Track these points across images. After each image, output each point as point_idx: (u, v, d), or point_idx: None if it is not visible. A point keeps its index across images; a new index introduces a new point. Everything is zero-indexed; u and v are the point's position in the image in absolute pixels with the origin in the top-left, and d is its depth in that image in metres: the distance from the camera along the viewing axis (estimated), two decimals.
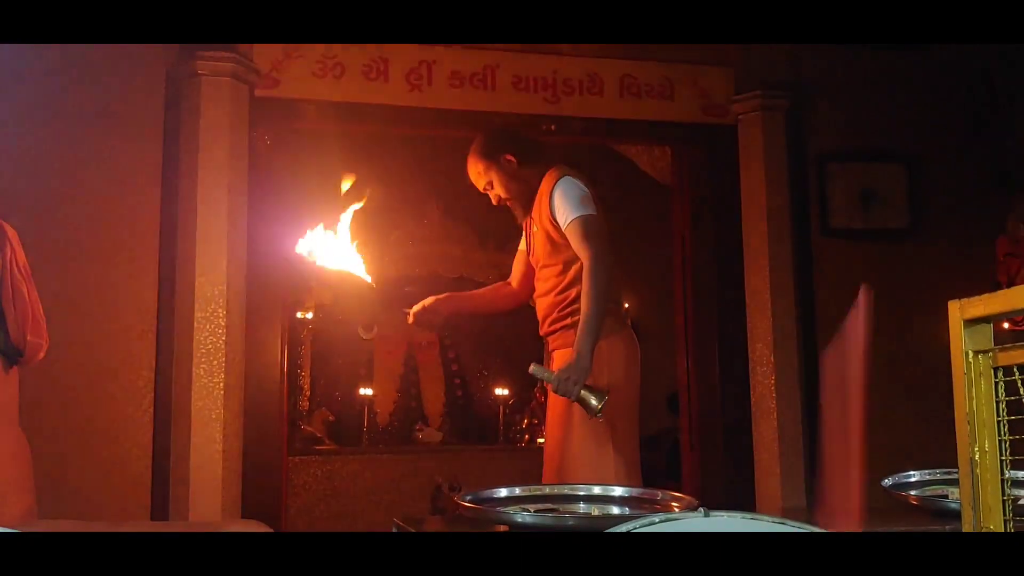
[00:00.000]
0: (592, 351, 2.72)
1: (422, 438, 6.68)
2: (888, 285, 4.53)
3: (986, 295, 1.30)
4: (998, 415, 1.27)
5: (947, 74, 4.75)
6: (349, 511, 5.62)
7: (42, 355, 2.64)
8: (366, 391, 6.74)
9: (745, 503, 4.27)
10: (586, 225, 2.88)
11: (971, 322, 1.31)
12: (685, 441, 5.03)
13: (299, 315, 6.36)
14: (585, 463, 2.81)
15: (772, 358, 4.43)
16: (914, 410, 4.27)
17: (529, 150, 3.14)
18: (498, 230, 6.17)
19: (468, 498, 1.80)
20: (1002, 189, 4.59)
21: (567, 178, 2.98)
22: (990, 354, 1.29)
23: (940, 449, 1.71)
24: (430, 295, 3.27)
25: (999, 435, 1.26)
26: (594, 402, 2.59)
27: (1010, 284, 4.08)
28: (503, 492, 1.85)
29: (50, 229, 3.70)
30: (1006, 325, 3.97)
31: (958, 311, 1.32)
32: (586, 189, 2.96)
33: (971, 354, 1.31)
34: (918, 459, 2.30)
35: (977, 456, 1.25)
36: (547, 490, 1.88)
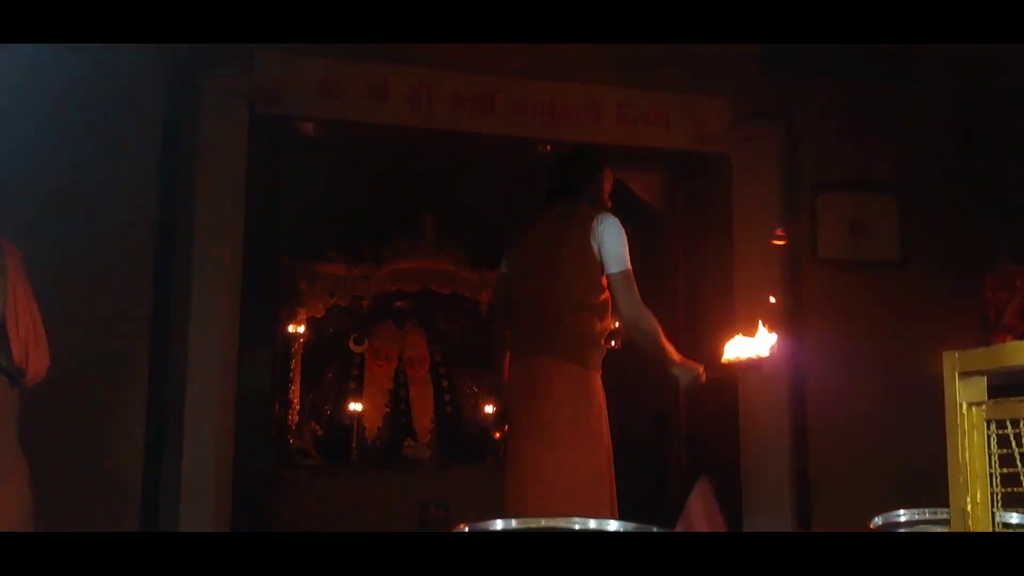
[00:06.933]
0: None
1: (411, 454, 6.65)
2: (877, 316, 4.58)
3: (981, 349, 1.32)
4: (990, 467, 1.29)
5: (939, 107, 4.81)
6: (337, 526, 5.60)
7: (44, 375, 2.65)
8: (355, 406, 6.71)
9: (731, 527, 4.28)
10: None
11: (966, 374, 1.34)
12: (674, 463, 5.06)
13: (290, 329, 6.34)
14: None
15: (761, 386, 4.46)
16: (902, 442, 4.29)
17: None
18: (491, 250, 6.17)
19: (465, 530, 1.81)
20: (990, 221, 4.63)
21: None
22: (983, 406, 1.32)
23: (929, 484, 1.73)
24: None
25: (991, 487, 1.28)
26: None
27: (999, 319, 4.12)
28: (499, 524, 1.86)
29: (45, 242, 3.69)
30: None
31: (953, 363, 1.34)
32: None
33: (964, 406, 1.33)
34: (907, 495, 2.32)
35: (969, 508, 1.28)
36: (543, 523, 1.90)
